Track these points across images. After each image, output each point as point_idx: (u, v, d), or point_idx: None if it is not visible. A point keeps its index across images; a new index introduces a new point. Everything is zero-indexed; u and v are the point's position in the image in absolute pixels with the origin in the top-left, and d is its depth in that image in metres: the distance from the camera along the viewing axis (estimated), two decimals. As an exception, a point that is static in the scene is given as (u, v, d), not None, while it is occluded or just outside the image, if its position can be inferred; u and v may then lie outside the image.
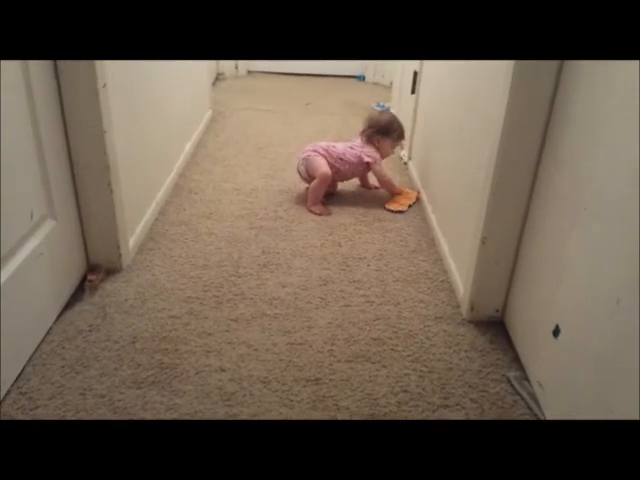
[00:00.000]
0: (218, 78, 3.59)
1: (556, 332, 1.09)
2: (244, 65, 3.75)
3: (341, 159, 2.01)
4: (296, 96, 3.34)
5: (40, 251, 1.25)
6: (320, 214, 1.92)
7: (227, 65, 3.68)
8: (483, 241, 1.30)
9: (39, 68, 1.21)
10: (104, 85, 1.32)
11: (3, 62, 1.09)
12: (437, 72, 1.97)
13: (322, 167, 1.96)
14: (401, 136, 2.10)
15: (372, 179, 2.15)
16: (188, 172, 2.22)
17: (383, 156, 2.08)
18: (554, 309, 1.11)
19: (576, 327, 1.03)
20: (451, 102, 1.74)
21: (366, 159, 2.01)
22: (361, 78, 3.77)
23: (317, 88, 3.51)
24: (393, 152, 2.17)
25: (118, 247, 1.51)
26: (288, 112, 3.05)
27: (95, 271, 1.50)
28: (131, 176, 1.56)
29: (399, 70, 2.76)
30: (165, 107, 1.97)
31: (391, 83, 3.46)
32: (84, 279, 1.48)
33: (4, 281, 1.11)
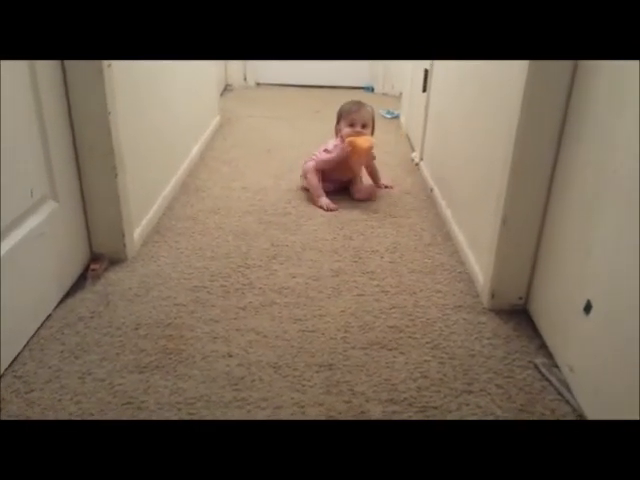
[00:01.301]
0: (227, 89, 3.59)
1: (587, 308, 1.02)
2: (252, 76, 3.75)
3: (325, 149, 2.00)
4: (304, 106, 3.32)
5: (41, 231, 1.20)
6: (327, 209, 1.86)
7: (235, 76, 3.69)
8: (504, 221, 1.23)
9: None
10: (109, 65, 1.29)
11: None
12: (448, 69, 1.93)
13: (306, 163, 1.98)
14: (349, 112, 1.95)
15: (384, 178, 2.11)
16: (195, 171, 2.18)
17: (350, 140, 1.91)
18: (584, 284, 1.04)
19: (609, 299, 0.96)
20: (464, 90, 1.69)
21: (330, 146, 1.98)
22: (370, 89, 3.76)
23: (325, 99, 3.49)
24: (359, 130, 1.94)
25: (123, 236, 1.46)
26: (296, 119, 3.03)
27: (98, 261, 1.44)
28: (136, 167, 1.52)
29: (409, 75, 2.73)
30: (171, 106, 1.94)
31: (400, 94, 3.44)
32: (87, 269, 1.42)
33: (4, 254, 1.06)
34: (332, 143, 2.00)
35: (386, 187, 2.08)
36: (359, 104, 1.98)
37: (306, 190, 2.00)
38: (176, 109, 2.00)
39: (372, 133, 2.01)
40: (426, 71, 2.22)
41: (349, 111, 1.96)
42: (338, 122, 2.01)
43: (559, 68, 1.11)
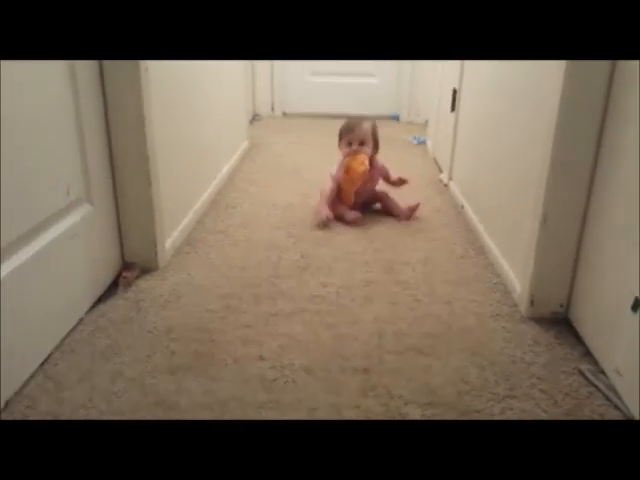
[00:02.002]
0: (255, 118, 3.65)
1: (635, 305, 0.97)
2: (279, 106, 3.82)
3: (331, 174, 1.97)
4: (330, 133, 3.31)
5: (75, 232, 1.21)
6: (324, 219, 1.83)
7: (263, 106, 3.76)
8: (544, 219, 1.20)
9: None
10: (146, 69, 1.31)
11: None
12: (476, 85, 1.93)
13: (321, 193, 1.97)
14: (347, 131, 1.93)
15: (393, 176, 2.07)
16: (225, 190, 2.19)
17: (346, 164, 1.90)
18: (630, 281, 0.99)
19: (662, 295, 0.91)
20: (494, 104, 1.69)
21: (333, 171, 1.96)
22: (395, 118, 3.78)
23: (351, 127, 3.53)
24: (357, 148, 1.91)
25: (155, 245, 1.46)
26: (322, 146, 3.04)
27: (130, 269, 1.44)
28: (169, 178, 1.53)
29: (435, 98, 2.75)
30: (203, 126, 1.97)
31: (426, 121, 3.46)
32: (118, 276, 1.42)
33: (38, 250, 1.06)
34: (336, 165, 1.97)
35: (401, 181, 2.02)
36: (356, 122, 1.95)
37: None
38: (207, 129, 2.03)
39: (376, 148, 1.98)
40: (454, 90, 2.23)
41: (346, 130, 1.95)
42: (339, 142, 1.99)
43: (597, 68, 1.09)
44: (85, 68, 1.22)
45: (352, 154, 1.91)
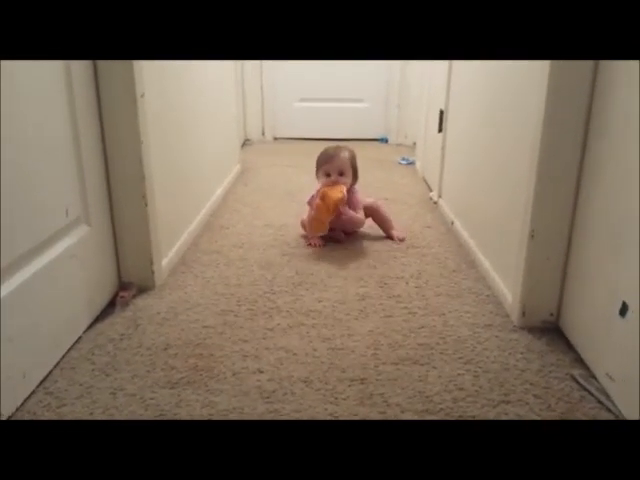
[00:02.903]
0: (246, 143, 3.70)
1: (623, 310, 1.01)
2: (270, 131, 3.88)
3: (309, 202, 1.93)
4: (321, 156, 3.41)
5: (73, 252, 1.22)
6: (311, 242, 1.85)
7: (254, 131, 3.82)
8: (532, 235, 1.24)
9: (80, 72, 1.24)
10: (142, 95, 1.35)
11: (48, 64, 1.13)
12: (462, 106, 2.00)
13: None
14: (325, 161, 1.86)
15: (398, 228, 2.11)
16: (219, 212, 2.22)
17: (321, 192, 1.81)
18: (618, 287, 1.03)
19: (647, 297, 0.95)
20: (479, 122, 1.74)
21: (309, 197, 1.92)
22: (384, 140, 3.86)
23: (341, 150, 3.59)
24: (335, 179, 1.83)
25: (151, 264, 1.48)
26: (314, 168, 3.09)
27: (127, 288, 1.46)
28: (164, 200, 1.56)
29: (423, 120, 2.81)
30: (196, 150, 2.01)
31: (414, 143, 3.53)
32: (115, 296, 1.43)
33: (37, 270, 1.08)
34: (311, 197, 1.92)
35: (399, 240, 1.92)
36: (334, 151, 1.87)
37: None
38: (201, 153, 2.07)
39: (355, 177, 1.91)
40: (441, 112, 2.29)
41: (324, 160, 1.87)
42: (316, 172, 1.91)
43: (579, 83, 1.14)
44: (83, 93, 1.25)
45: (330, 184, 1.82)
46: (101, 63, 1.30)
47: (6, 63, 0.97)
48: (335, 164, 1.84)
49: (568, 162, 1.19)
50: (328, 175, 1.85)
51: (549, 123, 1.16)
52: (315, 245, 1.85)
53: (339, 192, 1.78)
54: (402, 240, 1.92)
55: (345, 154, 1.87)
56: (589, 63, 1.13)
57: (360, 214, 1.89)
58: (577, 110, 1.16)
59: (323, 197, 1.79)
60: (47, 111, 1.13)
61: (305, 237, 1.93)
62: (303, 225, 1.97)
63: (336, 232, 1.92)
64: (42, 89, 1.11)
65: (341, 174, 1.85)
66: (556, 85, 1.14)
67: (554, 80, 1.14)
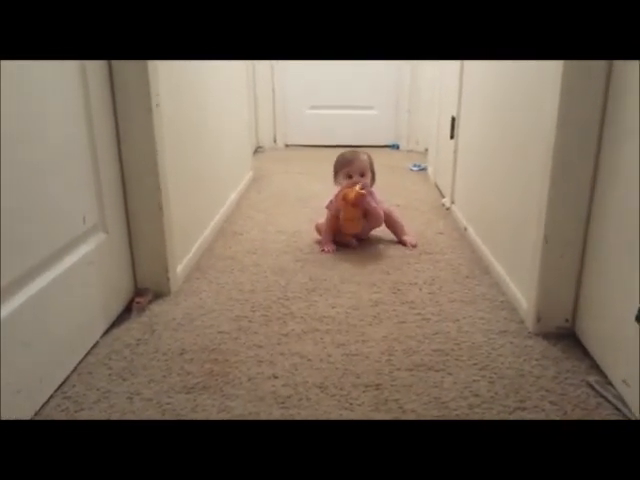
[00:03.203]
0: (258, 150, 3.73)
1: (639, 316, 1.00)
2: (282, 138, 3.91)
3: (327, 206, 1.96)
4: (332, 163, 3.41)
5: (91, 259, 1.24)
6: (324, 248, 1.87)
7: (266, 138, 3.84)
8: (546, 240, 1.24)
9: (97, 81, 1.26)
10: (157, 105, 1.37)
11: (66, 75, 1.15)
12: (474, 112, 2.00)
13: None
14: (345, 164, 1.91)
15: (410, 234, 2.11)
16: (232, 218, 2.24)
17: (342, 193, 1.85)
18: (633, 292, 1.02)
19: (664, 303, 0.94)
20: (492, 128, 1.74)
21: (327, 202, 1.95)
22: (395, 147, 3.86)
23: (353, 156, 3.60)
24: (357, 179, 1.87)
25: (166, 270, 1.49)
26: (325, 174, 3.08)
27: (143, 294, 1.47)
28: (179, 207, 1.58)
29: (434, 126, 2.82)
30: (209, 157, 2.03)
31: (425, 149, 3.53)
32: (131, 302, 1.45)
33: (56, 276, 1.10)
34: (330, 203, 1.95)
35: (412, 246, 1.92)
36: (353, 154, 1.93)
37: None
38: (215, 161, 2.09)
39: (373, 179, 1.96)
40: (453, 118, 2.29)
41: (343, 164, 1.92)
42: (335, 176, 1.96)
43: (593, 85, 1.14)
44: (100, 101, 1.27)
45: (351, 185, 1.84)
46: (117, 73, 1.32)
47: (26, 74, 0.99)
48: (356, 166, 1.90)
49: (582, 166, 1.19)
50: (350, 177, 1.90)
51: (563, 126, 1.16)
52: (328, 251, 1.86)
53: (353, 191, 1.81)
54: (414, 246, 1.92)
55: (364, 157, 1.94)
56: (603, 63, 1.13)
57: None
58: (591, 112, 1.15)
59: (344, 197, 1.82)
60: (65, 119, 1.15)
61: (319, 242, 1.94)
62: (318, 229, 1.98)
63: (348, 238, 1.93)
64: (60, 97, 1.13)
65: (362, 175, 1.90)
66: (570, 86, 1.14)
67: (567, 81, 1.14)
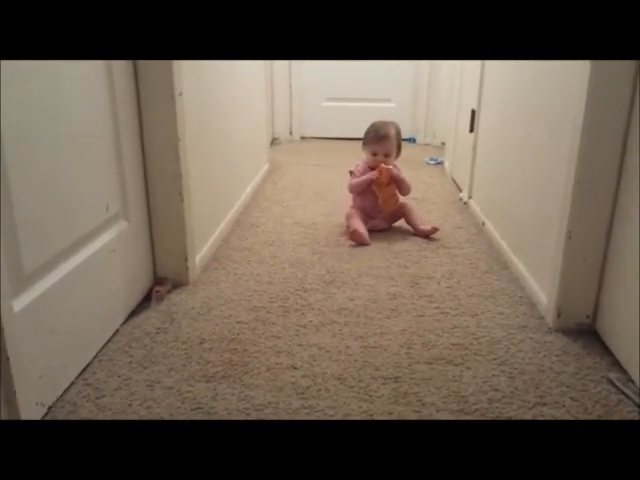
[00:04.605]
0: (274, 142, 3.72)
1: (665, 313, 0.99)
2: (297, 130, 3.89)
3: (353, 173, 2.07)
4: (348, 155, 3.38)
5: (113, 247, 1.25)
6: (357, 235, 1.86)
7: (282, 131, 3.83)
8: (569, 236, 1.22)
9: (121, 72, 1.27)
10: (180, 94, 1.37)
11: (91, 64, 1.16)
12: (495, 104, 1.98)
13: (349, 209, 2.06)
14: (373, 140, 1.99)
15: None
16: (249, 210, 2.24)
17: (370, 165, 2.00)
18: (660, 290, 1.01)
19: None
20: (514, 122, 1.72)
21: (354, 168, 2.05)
22: (412, 140, 3.84)
23: (369, 149, 3.58)
24: (381, 159, 1.98)
25: (186, 260, 1.50)
26: (341, 167, 3.08)
27: (162, 283, 1.48)
28: (198, 197, 1.58)
29: (453, 120, 2.80)
30: (228, 148, 2.03)
31: (442, 143, 3.51)
32: (151, 291, 1.46)
33: (80, 262, 1.11)
34: (356, 166, 2.06)
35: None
36: (383, 132, 1.98)
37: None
38: (233, 152, 2.09)
39: (399, 152, 2.05)
40: (473, 111, 2.27)
41: (373, 139, 2.00)
42: (364, 145, 2.06)
43: (621, 80, 1.12)
44: (124, 91, 1.28)
45: (374, 165, 1.96)
46: (141, 63, 1.32)
47: (53, 63, 1.00)
48: (384, 147, 1.99)
49: (608, 162, 1.17)
50: (375, 154, 1.99)
51: (589, 122, 1.15)
52: (361, 234, 1.86)
53: (382, 166, 1.93)
54: (434, 230, 1.93)
55: (392, 132, 2.00)
56: (631, 62, 1.11)
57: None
58: (618, 108, 1.14)
59: (377, 182, 1.93)
60: (89, 108, 1.15)
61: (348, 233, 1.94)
62: (350, 219, 1.98)
63: (377, 221, 2.00)
64: (86, 88, 1.14)
65: (386, 156, 1.99)
66: (596, 83, 1.13)
67: (595, 76, 1.12)
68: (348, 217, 2.01)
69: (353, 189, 2.03)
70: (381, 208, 1.99)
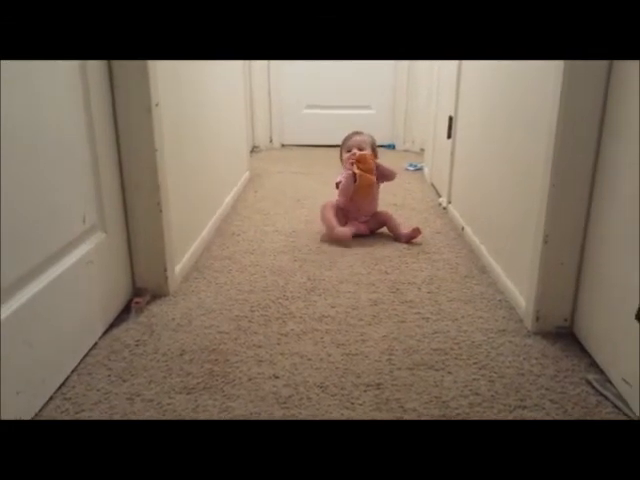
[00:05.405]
0: (254, 150, 3.72)
1: (639, 314, 1.01)
2: (278, 138, 3.90)
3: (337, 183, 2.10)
4: (328, 162, 3.40)
5: (90, 259, 1.24)
6: (343, 237, 1.93)
7: (262, 138, 3.83)
8: (545, 240, 1.24)
9: (97, 81, 1.26)
10: (157, 104, 1.37)
11: (66, 73, 1.15)
12: (472, 112, 2.00)
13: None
14: (346, 139, 2.15)
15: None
16: (229, 218, 2.23)
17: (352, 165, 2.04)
18: (633, 291, 1.03)
19: (664, 301, 0.95)
20: (491, 127, 1.75)
21: (337, 179, 2.09)
22: (391, 147, 3.87)
23: (349, 156, 3.59)
24: (352, 162, 2.02)
25: (165, 270, 1.49)
26: (322, 174, 3.10)
27: (141, 295, 1.47)
28: (177, 207, 1.57)
29: (431, 126, 2.82)
30: (207, 157, 2.02)
31: (421, 149, 3.54)
32: (130, 302, 1.44)
33: (57, 275, 1.09)
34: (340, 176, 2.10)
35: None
36: (353, 134, 2.14)
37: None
38: (212, 161, 2.09)
39: (375, 156, 2.10)
40: (450, 118, 2.30)
41: (345, 140, 2.15)
42: (341, 156, 2.16)
43: (593, 85, 1.15)
44: (99, 102, 1.27)
45: (352, 157, 2.03)
46: (117, 74, 1.31)
47: (26, 73, 0.99)
48: (354, 140, 2.12)
49: (582, 165, 1.19)
50: (349, 151, 2.09)
51: (563, 125, 1.17)
52: (345, 235, 1.93)
53: (358, 156, 2.02)
54: (417, 232, 1.97)
55: (363, 136, 2.14)
56: (603, 63, 1.13)
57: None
58: (591, 112, 1.16)
59: (357, 166, 2.01)
60: (65, 119, 1.14)
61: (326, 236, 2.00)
62: (324, 214, 2.04)
63: (360, 226, 2.04)
64: (60, 96, 1.12)
65: (360, 149, 2.08)
66: (570, 84, 1.14)
67: (568, 80, 1.14)
68: (323, 209, 2.06)
69: (343, 193, 2.06)
70: (356, 199, 2.04)
